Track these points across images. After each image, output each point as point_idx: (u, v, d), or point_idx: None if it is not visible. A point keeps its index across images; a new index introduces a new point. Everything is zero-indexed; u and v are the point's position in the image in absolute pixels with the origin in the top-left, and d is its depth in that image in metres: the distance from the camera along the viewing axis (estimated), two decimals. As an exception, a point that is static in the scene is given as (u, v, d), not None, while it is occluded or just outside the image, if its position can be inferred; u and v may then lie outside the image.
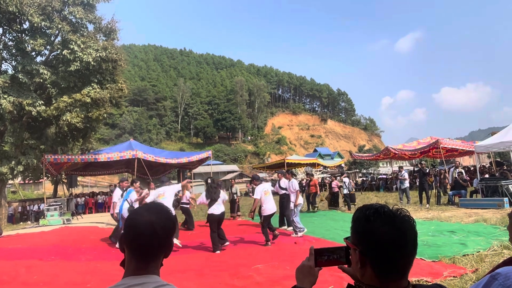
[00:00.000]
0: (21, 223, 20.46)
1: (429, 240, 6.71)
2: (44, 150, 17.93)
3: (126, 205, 8.34)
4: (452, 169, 14.26)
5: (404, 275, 1.00)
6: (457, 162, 15.18)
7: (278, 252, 6.83)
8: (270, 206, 7.88)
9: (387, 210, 1.02)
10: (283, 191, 9.37)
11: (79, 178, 24.72)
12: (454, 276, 4.30)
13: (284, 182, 9.45)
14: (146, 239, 1.09)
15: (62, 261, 7.09)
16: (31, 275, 5.88)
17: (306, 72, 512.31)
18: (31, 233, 12.98)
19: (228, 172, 65.98)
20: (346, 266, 1.12)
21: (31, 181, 27.75)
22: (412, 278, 4.09)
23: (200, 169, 35.73)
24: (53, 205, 16.85)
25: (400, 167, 16.35)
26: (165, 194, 7.60)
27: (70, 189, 22.19)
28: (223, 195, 7.98)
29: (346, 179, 15.56)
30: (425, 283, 2.92)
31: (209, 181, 8.12)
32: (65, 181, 22.35)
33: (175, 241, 7.21)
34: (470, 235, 6.83)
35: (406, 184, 13.59)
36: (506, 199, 10.36)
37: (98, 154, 17.55)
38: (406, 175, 14.00)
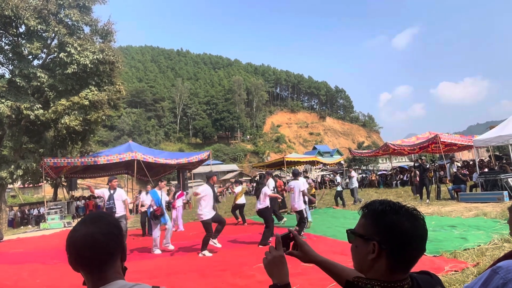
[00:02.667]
0: (22, 227, 20.47)
1: (430, 235, 6.59)
2: (43, 154, 17.89)
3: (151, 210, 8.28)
4: (448, 164, 14.28)
5: (411, 269, 1.03)
6: (454, 158, 15.17)
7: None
8: (297, 205, 8.03)
9: (404, 206, 1.04)
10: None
11: (78, 181, 24.69)
12: (455, 271, 4.31)
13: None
14: (90, 251, 1.06)
15: (64, 264, 7.08)
16: (34, 279, 5.90)
17: (303, 70, 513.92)
18: (32, 237, 13.00)
19: (228, 172, 66.02)
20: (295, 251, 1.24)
21: (30, 185, 27.73)
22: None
23: (200, 169, 35.70)
24: (53, 208, 16.85)
25: (350, 167, 16.62)
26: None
27: (70, 192, 22.19)
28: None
29: (338, 177, 15.53)
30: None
31: (257, 177, 8.28)
32: (65, 184, 22.35)
33: (213, 241, 7.02)
34: (471, 229, 6.85)
35: (355, 184, 13.74)
36: (505, 193, 10.38)
37: (98, 156, 17.51)
38: (354, 174, 14.25)
